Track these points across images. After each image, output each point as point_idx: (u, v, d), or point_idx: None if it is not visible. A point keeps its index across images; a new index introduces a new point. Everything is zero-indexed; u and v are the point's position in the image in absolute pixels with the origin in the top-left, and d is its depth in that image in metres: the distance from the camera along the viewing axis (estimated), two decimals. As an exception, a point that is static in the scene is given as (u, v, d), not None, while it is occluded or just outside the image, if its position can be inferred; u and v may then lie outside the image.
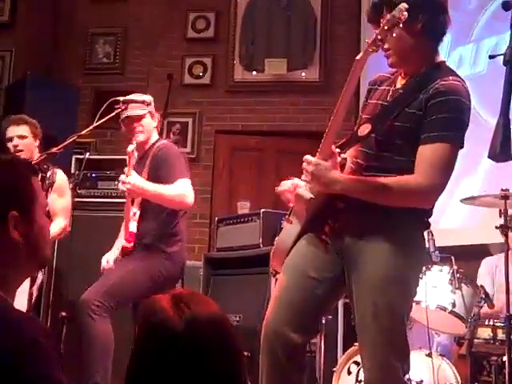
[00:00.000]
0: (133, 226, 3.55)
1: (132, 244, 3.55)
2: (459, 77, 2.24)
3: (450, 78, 2.19)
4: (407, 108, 2.19)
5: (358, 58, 2.18)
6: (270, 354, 2.26)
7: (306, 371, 2.36)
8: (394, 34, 2.10)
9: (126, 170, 3.46)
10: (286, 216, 2.42)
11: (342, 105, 2.20)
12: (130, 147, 3.48)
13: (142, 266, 3.48)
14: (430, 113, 2.15)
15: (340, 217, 2.27)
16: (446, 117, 2.13)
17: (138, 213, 3.57)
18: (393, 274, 2.16)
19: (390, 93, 2.31)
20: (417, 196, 2.17)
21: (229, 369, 1.25)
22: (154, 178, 3.53)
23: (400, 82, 2.33)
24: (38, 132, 4.04)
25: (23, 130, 3.97)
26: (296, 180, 2.36)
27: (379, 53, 2.21)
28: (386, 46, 2.21)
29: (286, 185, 2.37)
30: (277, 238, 2.48)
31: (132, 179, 3.42)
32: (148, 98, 3.67)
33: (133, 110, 3.60)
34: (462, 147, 2.18)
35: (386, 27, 2.09)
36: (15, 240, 1.42)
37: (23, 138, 3.95)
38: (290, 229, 2.39)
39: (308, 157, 2.21)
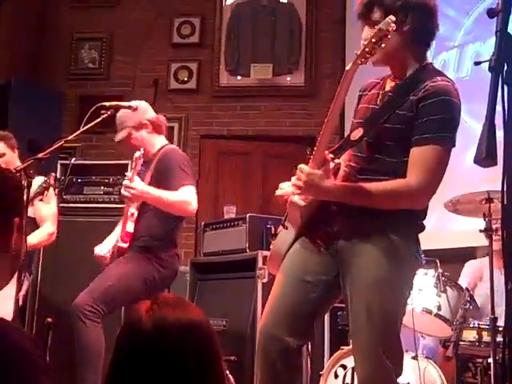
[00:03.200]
0: (130, 227, 3.55)
1: (127, 244, 3.54)
2: (447, 77, 2.27)
3: (439, 78, 2.22)
4: (398, 110, 2.22)
5: (347, 68, 2.21)
6: (266, 357, 2.28)
7: (300, 374, 2.38)
8: (383, 45, 2.14)
9: (129, 174, 3.46)
10: (282, 222, 2.44)
11: (333, 113, 2.22)
12: (137, 153, 3.49)
13: (135, 271, 3.47)
14: (422, 114, 2.17)
15: (334, 221, 2.29)
16: (437, 118, 2.16)
17: (136, 213, 3.57)
18: (387, 276, 2.18)
19: (380, 96, 2.34)
20: (408, 198, 2.19)
21: (200, 373, 1.27)
22: (158, 182, 3.53)
23: (389, 85, 2.36)
24: (13, 142, 4.01)
25: (0, 147, 3.95)
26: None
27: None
28: None
29: (284, 188, 2.36)
30: (272, 243, 2.51)
31: (136, 185, 3.42)
32: (134, 103, 3.62)
33: (118, 134, 3.66)
34: (453, 146, 2.21)
35: (373, 40, 2.13)
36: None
37: (2, 156, 3.93)
38: (285, 234, 2.42)
39: (302, 166, 2.23)
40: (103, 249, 3.63)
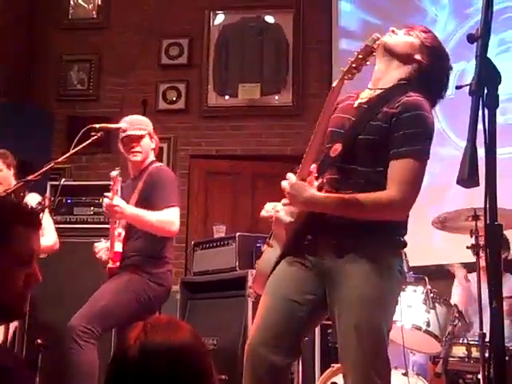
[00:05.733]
0: (118, 247, 3.55)
1: (118, 264, 3.54)
2: (419, 94, 2.31)
3: (412, 94, 2.27)
4: (372, 121, 2.27)
5: (333, 85, 2.26)
6: (253, 376, 2.27)
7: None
8: (376, 67, 2.21)
9: (109, 194, 3.47)
10: (267, 240, 2.45)
11: (319, 131, 2.27)
12: (113, 173, 3.51)
13: (128, 289, 3.46)
14: (397, 128, 2.22)
15: (319, 239, 2.31)
16: (412, 132, 2.21)
17: (123, 233, 3.58)
18: (373, 294, 2.20)
19: (355, 105, 2.39)
20: (389, 209, 2.22)
21: None
22: (144, 199, 3.55)
23: (364, 95, 2.40)
24: (10, 161, 4.04)
25: None
26: (277, 204, 2.38)
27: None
28: None
29: (269, 211, 2.39)
30: (257, 262, 2.51)
31: (117, 202, 3.44)
32: (124, 125, 3.67)
33: (133, 130, 3.64)
34: (428, 158, 2.26)
35: (360, 56, 2.19)
36: None
37: None
38: (271, 252, 2.42)
39: (290, 174, 2.27)
40: (101, 246, 3.64)
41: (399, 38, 2.39)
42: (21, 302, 1.52)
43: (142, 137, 3.65)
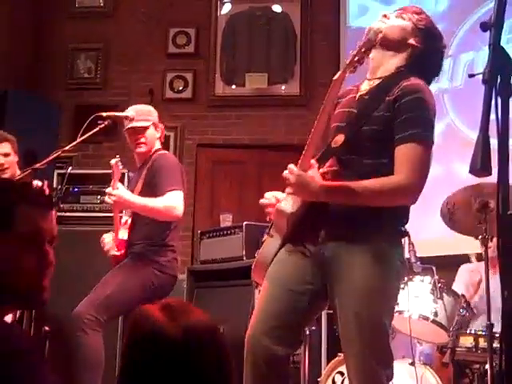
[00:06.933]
0: (123, 234, 3.56)
1: (122, 252, 3.55)
2: (419, 78, 2.31)
3: (411, 78, 2.28)
4: (374, 112, 2.27)
5: (335, 77, 2.25)
6: (253, 365, 2.27)
7: (289, 382, 2.39)
8: (371, 56, 2.20)
9: (111, 182, 3.48)
10: (267, 230, 2.45)
11: (320, 122, 2.26)
12: (113, 161, 3.51)
13: (133, 277, 3.48)
14: (400, 113, 2.22)
15: (320, 230, 2.30)
16: (415, 115, 2.21)
17: (130, 220, 3.58)
18: (373, 285, 2.19)
19: (357, 98, 2.38)
20: (399, 194, 2.22)
21: (222, 377, 1.26)
22: (148, 186, 3.56)
23: (364, 88, 2.40)
24: (16, 148, 4.06)
25: (6, 147, 3.98)
26: (277, 193, 2.39)
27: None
28: None
29: (268, 198, 2.39)
30: (258, 252, 2.50)
31: (118, 192, 3.44)
32: (131, 113, 3.66)
33: (138, 122, 3.64)
34: (433, 143, 2.25)
35: (362, 49, 2.19)
36: None
37: (7, 156, 3.97)
38: (271, 242, 2.42)
39: (292, 166, 2.25)
40: (107, 238, 3.65)
41: (392, 23, 2.37)
42: (37, 289, 1.45)
43: (146, 128, 3.66)
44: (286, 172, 2.24)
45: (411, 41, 2.36)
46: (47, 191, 3.43)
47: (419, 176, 2.21)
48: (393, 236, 2.30)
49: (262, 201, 2.41)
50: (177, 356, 1.22)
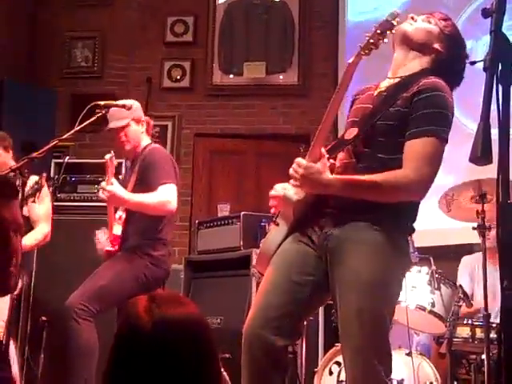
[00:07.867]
0: (117, 229, 3.56)
1: (116, 247, 3.56)
2: (440, 78, 2.29)
3: (432, 77, 2.25)
4: (391, 108, 2.24)
5: (350, 61, 2.23)
6: (251, 356, 2.25)
7: (287, 373, 2.37)
8: (386, 40, 2.17)
9: (106, 177, 3.48)
10: (273, 219, 2.42)
11: (332, 109, 2.24)
12: (107, 156, 3.50)
13: (127, 269, 3.49)
14: (416, 109, 2.19)
15: (325, 221, 2.28)
16: (431, 112, 2.18)
17: (124, 216, 3.58)
18: (376, 278, 2.17)
19: (375, 94, 2.36)
20: (407, 189, 2.19)
21: (200, 371, 1.24)
22: (141, 182, 3.56)
23: (384, 85, 2.38)
24: (7, 143, 3.97)
25: None
26: (287, 185, 2.35)
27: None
28: None
29: (278, 190, 2.36)
30: (262, 241, 2.48)
31: (112, 188, 3.43)
32: (129, 102, 3.64)
33: (114, 122, 3.62)
34: (446, 142, 2.22)
35: (378, 31, 2.15)
36: None
37: None
38: (276, 231, 2.40)
39: (299, 159, 2.23)
40: (101, 236, 3.64)
41: (418, 26, 2.36)
42: (2, 276, 1.50)
43: (124, 127, 3.65)
44: (293, 167, 2.22)
45: (436, 45, 2.34)
46: (43, 182, 3.41)
47: (428, 171, 2.18)
48: (401, 230, 2.28)
49: (271, 192, 2.38)
50: (146, 347, 1.22)
